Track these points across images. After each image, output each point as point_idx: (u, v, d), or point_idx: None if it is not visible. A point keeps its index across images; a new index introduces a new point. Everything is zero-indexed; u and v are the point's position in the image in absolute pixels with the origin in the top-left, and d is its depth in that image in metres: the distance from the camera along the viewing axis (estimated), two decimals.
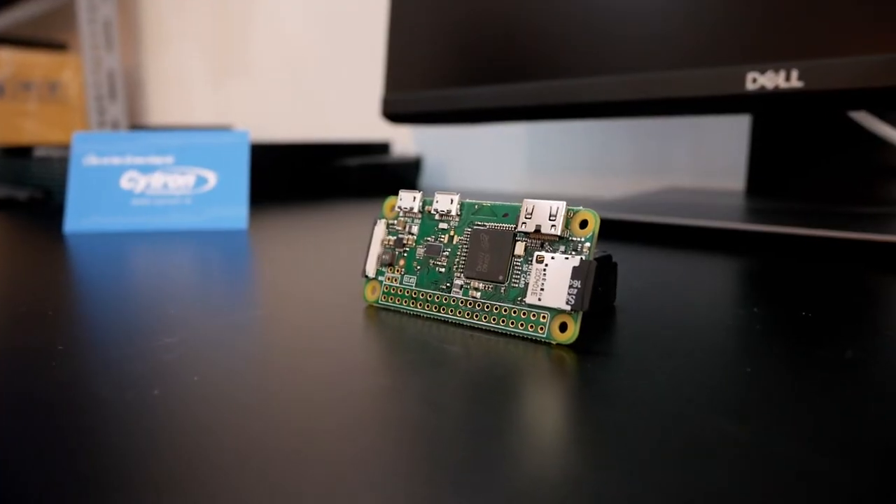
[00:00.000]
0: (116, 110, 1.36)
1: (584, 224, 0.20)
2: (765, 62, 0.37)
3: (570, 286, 0.19)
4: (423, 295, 0.23)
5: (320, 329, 0.22)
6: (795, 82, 0.36)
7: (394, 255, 0.24)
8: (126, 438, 0.14)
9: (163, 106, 1.34)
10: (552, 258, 0.20)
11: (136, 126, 1.36)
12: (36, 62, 1.37)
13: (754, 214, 0.41)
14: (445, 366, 0.18)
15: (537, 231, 0.21)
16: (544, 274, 0.20)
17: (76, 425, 0.15)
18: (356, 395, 0.16)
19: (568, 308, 0.19)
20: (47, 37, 1.54)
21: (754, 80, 0.37)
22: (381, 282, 0.24)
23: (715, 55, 0.39)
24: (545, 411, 0.16)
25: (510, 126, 0.73)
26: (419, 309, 0.23)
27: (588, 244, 0.20)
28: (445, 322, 0.22)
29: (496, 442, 0.14)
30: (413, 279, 0.24)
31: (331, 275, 0.31)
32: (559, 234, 0.20)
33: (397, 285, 0.24)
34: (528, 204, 0.21)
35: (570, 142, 0.70)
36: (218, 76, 1.16)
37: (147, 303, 0.26)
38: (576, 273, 0.19)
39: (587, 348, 0.20)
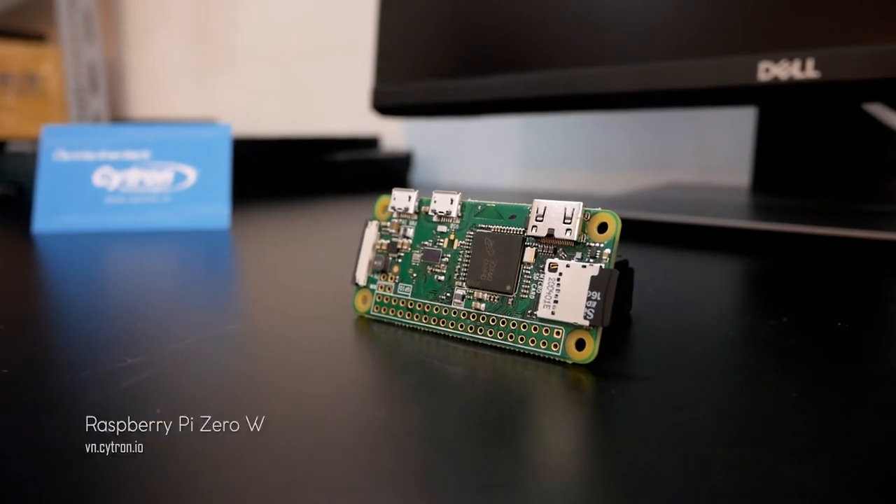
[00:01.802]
0: (98, 104, 1.32)
1: (603, 227, 0.18)
2: (778, 51, 0.35)
3: (589, 298, 0.17)
4: (420, 306, 0.21)
5: (304, 346, 0.20)
6: (811, 72, 0.34)
7: (387, 260, 0.22)
8: (66, 496, 0.12)
9: (145, 99, 1.30)
10: (567, 266, 0.18)
11: (118, 119, 1.33)
12: (13, 54, 1.33)
13: (764, 212, 0.39)
14: (448, 393, 0.16)
15: (550, 235, 0.18)
16: (558, 284, 0.18)
17: (6, 478, 0.12)
18: (345, 431, 0.14)
19: (586, 323, 0.17)
20: (25, 28, 1.49)
21: (767, 71, 0.35)
22: (372, 291, 0.22)
23: (724, 43, 0.37)
24: (568, 453, 0.13)
25: (504, 119, 0.71)
26: (416, 321, 0.21)
27: (608, 250, 0.18)
28: (445, 337, 0.20)
29: (513, 495, 0.11)
30: (409, 288, 0.21)
31: (318, 280, 0.28)
32: (575, 238, 0.18)
33: (391, 295, 0.22)
34: (538, 204, 0.19)
35: (566, 135, 0.67)
36: (202, 68, 1.13)
37: (114, 314, 0.24)
38: (595, 283, 0.17)
39: (607, 369, 0.17)
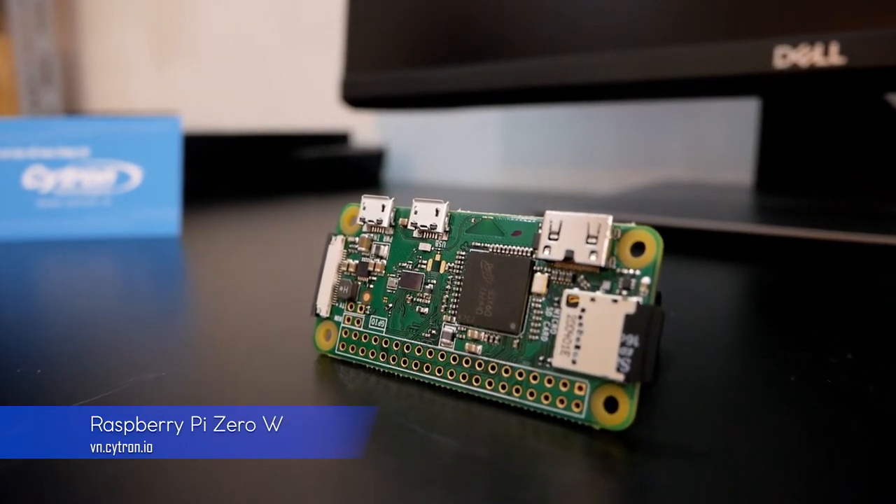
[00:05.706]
0: (51, 97, 1.25)
1: (638, 249, 0.14)
2: (797, 34, 0.31)
3: (623, 343, 0.13)
4: (397, 345, 0.16)
5: (247, 400, 0.15)
6: (836, 58, 0.30)
7: (355, 286, 0.17)
8: None
9: (103, 92, 1.24)
10: (592, 300, 0.13)
11: (74, 113, 1.26)
12: None
13: (775, 215, 0.35)
14: (437, 486, 0.11)
15: (568, 259, 0.14)
16: (580, 323, 0.13)
17: None
18: None
19: (620, 377, 0.13)
20: None
21: (784, 57, 0.31)
22: (338, 324, 0.17)
23: (734, 26, 0.33)
24: None
25: (484, 112, 0.66)
26: (392, 365, 0.16)
27: (647, 279, 0.13)
28: (431, 386, 0.16)
29: None
30: (383, 322, 0.17)
31: (276, 303, 0.24)
32: (602, 264, 0.14)
33: (361, 330, 0.17)
34: (552, 218, 0.14)
35: (550, 130, 0.63)
36: (162, 59, 1.07)
37: (17, 352, 0.19)
38: (631, 324, 0.13)
39: (648, 438, 0.13)
